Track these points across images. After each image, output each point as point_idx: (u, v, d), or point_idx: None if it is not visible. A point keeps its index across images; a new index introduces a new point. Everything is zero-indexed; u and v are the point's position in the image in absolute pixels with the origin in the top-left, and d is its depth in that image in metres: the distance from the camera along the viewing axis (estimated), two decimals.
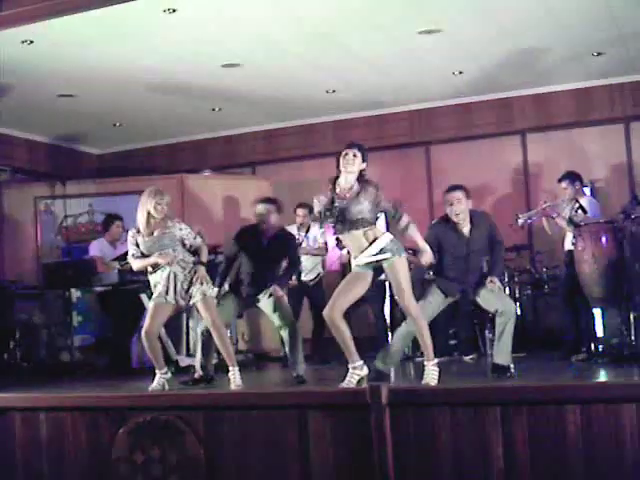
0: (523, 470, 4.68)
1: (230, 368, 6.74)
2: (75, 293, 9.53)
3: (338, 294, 6.14)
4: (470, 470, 4.81)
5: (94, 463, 5.59)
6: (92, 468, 5.60)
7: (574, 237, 7.63)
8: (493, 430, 4.75)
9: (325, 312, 6.17)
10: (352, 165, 6.06)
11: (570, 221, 7.98)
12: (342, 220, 6.02)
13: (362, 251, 6.04)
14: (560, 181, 8.46)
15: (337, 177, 6.14)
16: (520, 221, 8.65)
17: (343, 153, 6.09)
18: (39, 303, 9.23)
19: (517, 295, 9.47)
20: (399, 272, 6.03)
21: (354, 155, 6.06)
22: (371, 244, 6.00)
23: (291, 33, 8.59)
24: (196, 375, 7.14)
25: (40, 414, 5.74)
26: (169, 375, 6.85)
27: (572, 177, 8.39)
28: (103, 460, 5.53)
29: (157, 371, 6.76)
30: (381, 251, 5.99)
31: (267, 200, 7.67)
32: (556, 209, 8.23)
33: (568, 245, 8.10)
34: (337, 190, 6.08)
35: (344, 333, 6.12)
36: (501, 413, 4.75)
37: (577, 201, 8.13)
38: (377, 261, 6.04)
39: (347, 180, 6.07)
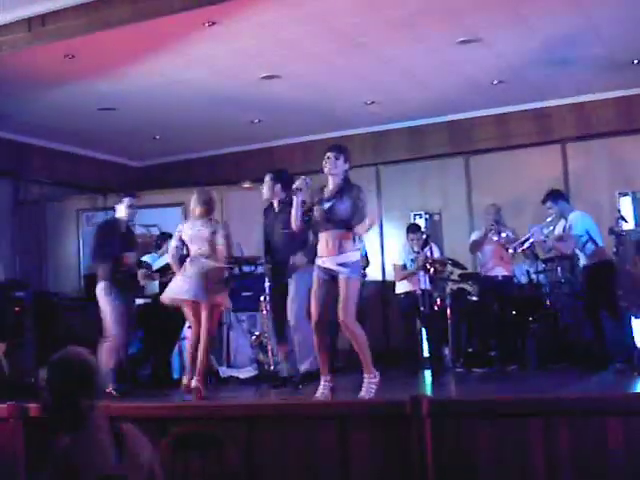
0: None
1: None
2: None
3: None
4: None
5: None
6: None
7: (615, 247, 7.59)
8: (535, 442, 4.72)
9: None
10: (334, 167, 6.27)
11: (611, 231, 7.95)
12: (324, 219, 6.20)
13: (328, 254, 6.17)
14: (544, 202, 8.49)
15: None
16: (510, 251, 8.85)
17: (325, 156, 6.30)
18: (81, 314, 9.31)
19: (557, 306, 9.39)
20: (350, 290, 6.10)
21: (335, 157, 6.26)
22: (340, 250, 6.14)
23: (329, 45, 8.60)
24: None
25: None
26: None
27: (554, 196, 8.45)
28: None
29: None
30: (343, 265, 6.11)
31: None
32: (539, 234, 8.34)
33: (583, 261, 8.13)
34: (325, 193, 6.29)
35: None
36: (543, 424, 4.72)
37: (565, 219, 8.21)
38: (333, 270, 6.16)
39: (333, 182, 6.31)
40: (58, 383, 3.18)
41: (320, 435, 5.21)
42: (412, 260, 9.44)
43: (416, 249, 9.43)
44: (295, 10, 7.70)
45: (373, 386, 6.14)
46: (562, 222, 8.37)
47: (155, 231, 10.11)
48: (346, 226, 6.16)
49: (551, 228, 8.49)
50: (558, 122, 11.07)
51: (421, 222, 10.84)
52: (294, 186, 6.39)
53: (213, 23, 7.83)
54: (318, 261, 6.25)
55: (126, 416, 5.71)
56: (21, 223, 11.43)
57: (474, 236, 9.29)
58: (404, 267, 9.63)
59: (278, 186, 7.75)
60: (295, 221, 6.35)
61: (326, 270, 6.19)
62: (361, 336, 6.18)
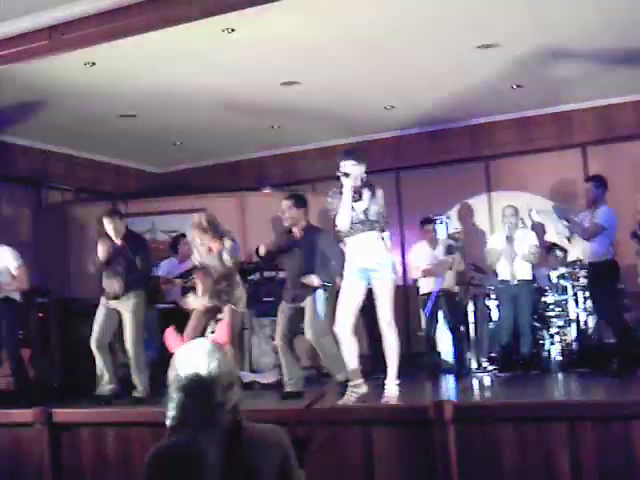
0: None
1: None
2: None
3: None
4: None
5: None
6: None
7: (637, 251, 7.56)
8: (559, 446, 4.71)
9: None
10: (358, 173, 6.26)
11: (634, 235, 7.90)
12: (357, 221, 6.19)
13: (365, 254, 6.18)
14: (587, 181, 8.40)
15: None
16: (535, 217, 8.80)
17: (342, 164, 6.26)
18: None
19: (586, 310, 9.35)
20: (390, 290, 6.19)
21: (352, 165, 6.23)
22: (378, 249, 6.21)
23: (348, 50, 8.61)
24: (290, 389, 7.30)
25: (107, 429, 5.82)
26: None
27: (600, 181, 8.32)
28: None
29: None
30: (381, 264, 6.17)
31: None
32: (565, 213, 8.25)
33: (590, 257, 8.01)
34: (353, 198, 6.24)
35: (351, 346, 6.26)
36: (567, 429, 4.70)
37: (595, 207, 8.11)
38: (370, 270, 6.18)
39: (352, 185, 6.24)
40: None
41: (344, 440, 5.20)
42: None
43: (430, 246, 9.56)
44: (314, 16, 7.72)
45: (396, 392, 6.14)
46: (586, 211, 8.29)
47: None
48: (378, 227, 6.22)
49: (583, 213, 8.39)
50: (578, 126, 11.03)
51: (442, 227, 10.79)
52: (344, 170, 6.19)
53: (232, 30, 7.85)
54: (352, 264, 6.24)
55: (148, 422, 5.74)
56: (43, 229, 11.49)
57: (492, 243, 9.26)
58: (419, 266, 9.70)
59: (301, 211, 7.43)
60: (345, 216, 6.15)
61: (362, 271, 6.18)
62: (396, 341, 6.19)
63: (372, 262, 6.16)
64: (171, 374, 3.03)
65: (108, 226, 7.93)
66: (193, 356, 3.02)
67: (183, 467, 2.94)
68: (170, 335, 3.24)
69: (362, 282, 6.20)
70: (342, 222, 6.17)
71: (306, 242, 7.36)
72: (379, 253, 6.19)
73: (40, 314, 9.42)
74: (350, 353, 6.24)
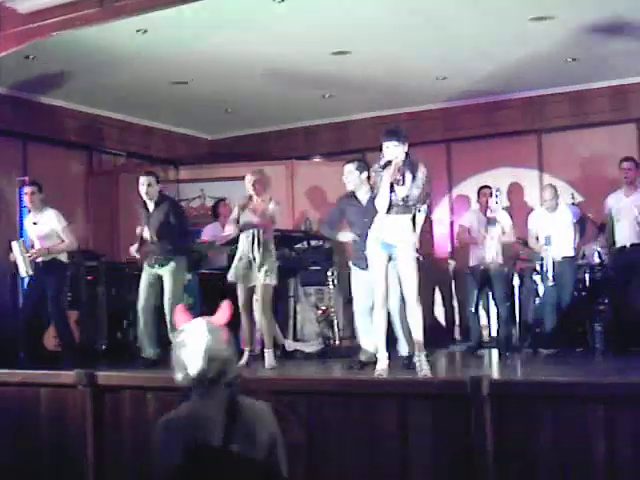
0: (626, 468, 4.60)
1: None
2: (186, 275, 9.73)
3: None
4: (572, 466, 4.75)
5: None
6: None
7: None
8: (596, 426, 4.67)
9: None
10: (399, 155, 6.22)
11: None
12: (396, 205, 6.22)
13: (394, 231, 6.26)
14: (627, 160, 8.30)
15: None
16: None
17: (385, 146, 6.24)
18: None
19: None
20: (414, 265, 6.23)
21: (395, 146, 6.21)
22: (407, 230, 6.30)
23: (401, 20, 8.55)
24: (363, 358, 7.21)
25: (148, 393, 5.92)
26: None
27: (636, 162, 8.27)
28: None
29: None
30: (408, 242, 6.27)
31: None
32: None
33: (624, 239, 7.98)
34: (390, 174, 6.20)
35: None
36: (605, 408, 4.68)
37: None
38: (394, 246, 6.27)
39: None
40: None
41: (379, 412, 5.23)
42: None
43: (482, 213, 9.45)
44: None
45: (427, 365, 6.17)
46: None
47: None
48: (413, 211, 6.28)
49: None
50: (634, 100, 10.84)
51: (492, 200, 10.67)
52: (386, 156, 6.21)
53: None
54: (375, 236, 6.27)
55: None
56: (94, 194, 11.65)
57: (531, 223, 9.15)
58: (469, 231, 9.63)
59: (364, 175, 7.34)
60: (383, 201, 6.19)
61: (383, 245, 6.20)
62: (421, 316, 6.22)
63: (394, 238, 6.18)
64: (174, 351, 3.39)
65: (142, 186, 8.01)
66: (190, 335, 3.35)
67: (190, 429, 3.27)
68: (179, 312, 3.50)
69: (384, 253, 6.24)
70: (381, 206, 6.20)
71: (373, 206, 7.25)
72: (403, 231, 6.21)
73: (90, 277, 9.55)
74: (380, 325, 6.29)
